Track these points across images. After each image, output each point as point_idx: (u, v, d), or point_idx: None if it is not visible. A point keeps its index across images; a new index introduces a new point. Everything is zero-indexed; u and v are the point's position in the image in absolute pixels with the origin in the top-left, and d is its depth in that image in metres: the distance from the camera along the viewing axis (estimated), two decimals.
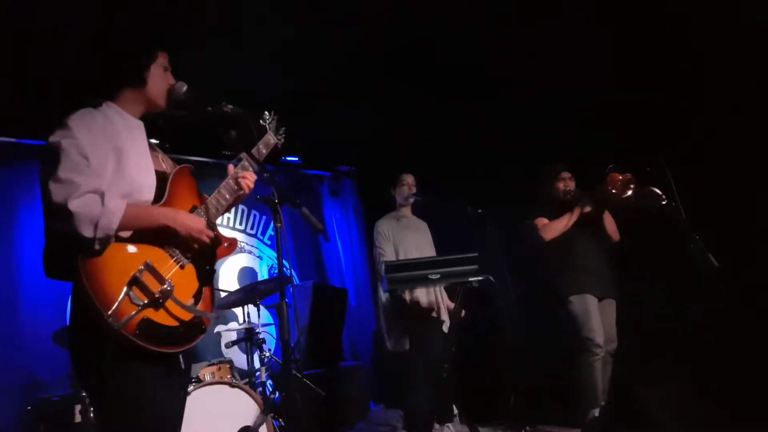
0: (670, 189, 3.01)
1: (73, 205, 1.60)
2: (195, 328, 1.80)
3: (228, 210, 2.15)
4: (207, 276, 1.89)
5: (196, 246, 1.85)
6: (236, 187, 2.06)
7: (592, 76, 4.11)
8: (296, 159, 5.91)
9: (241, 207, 5.55)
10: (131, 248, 1.71)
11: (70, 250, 1.62)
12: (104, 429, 1.73)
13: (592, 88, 4.08)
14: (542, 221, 3.77)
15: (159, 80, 1.94)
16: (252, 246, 5.59)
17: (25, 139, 4.45)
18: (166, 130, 2.12)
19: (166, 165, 1.97)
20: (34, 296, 4.03)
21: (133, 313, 1.64)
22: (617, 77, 4.07)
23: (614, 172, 3.54)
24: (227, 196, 2.05)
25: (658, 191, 3.26)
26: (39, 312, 4.01)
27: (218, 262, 2.03)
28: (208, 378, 3.45)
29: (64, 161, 1.66)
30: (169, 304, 1.74)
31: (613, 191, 3.54)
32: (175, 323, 1.74)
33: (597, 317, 3.57)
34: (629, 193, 3.48)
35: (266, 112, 2.35)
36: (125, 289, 1.65)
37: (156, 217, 1.77)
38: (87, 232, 1.61)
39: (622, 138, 3.91)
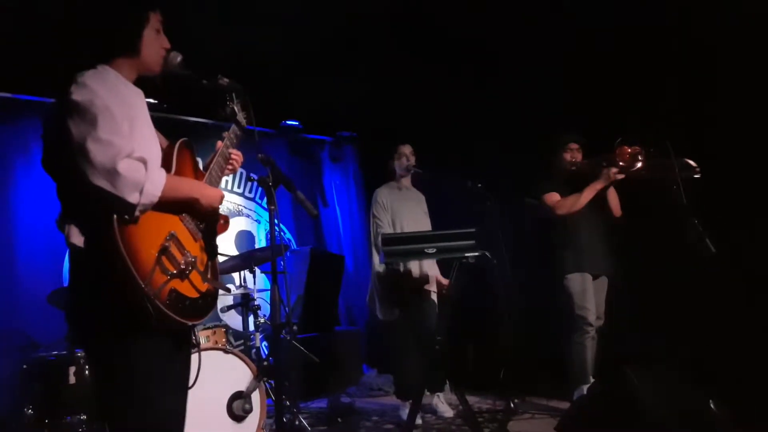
0: (673, 172, 2.96)
1: (122, 167, 1.55)
2: (211, 299, 1.81)
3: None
4: (214, 250, 1.89)
5: (210, 219, 1.85)
6: (225, 165, 2.04)
7: (598, 46, 4.01)
8: (296, 123, 5.84)
9: (239, 170, 5.50)
10: (156, 217, 1.67)
11: (105, 214, 1.56)
12: (110, 397, 1.69)
13: (597, 57, 3.99)
14: (553, 197, 3.70)
15: (153, 45, 1.86)
16: (250, 210, 5.57)
17: (20, 95, 4.37)
18: (163, 90, 2.08)
19: (160, 138, 1.93)
20: (30, 256, 4.04)
21: (163, 283, 1.62)
22: (621, 49, 3.97)
23: (623, 144, 3.47)
24: (219, 174, 2.02)
25: (692, 162, 3.18)
26: (35, 272, 4.02)
27: None
28: (202, 342, 3.48)
29: (102, 121, 1.59)
30: (193, 275, 1.73)
31: (622, 164, 3.48)
32: (195, 294, 1.74)
33: (592, 297, 3.59)
34: (638, 165, 3.42)
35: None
36: (157, 257, 1.62)
37: (187, 190, 1.77)
38: (132, 197, 1.56)
39: (630, 111, 3.84)
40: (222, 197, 1.88)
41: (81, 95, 1.63)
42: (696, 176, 3.14)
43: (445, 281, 3.88)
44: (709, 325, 3.30)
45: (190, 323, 1.71)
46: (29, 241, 4.07)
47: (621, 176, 3.54)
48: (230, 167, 2.07)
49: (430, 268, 3.93)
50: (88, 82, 1.67)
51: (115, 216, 1.57)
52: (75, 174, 1.58)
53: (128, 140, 1.64)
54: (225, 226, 1.97)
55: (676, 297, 3.43)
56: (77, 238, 1.64)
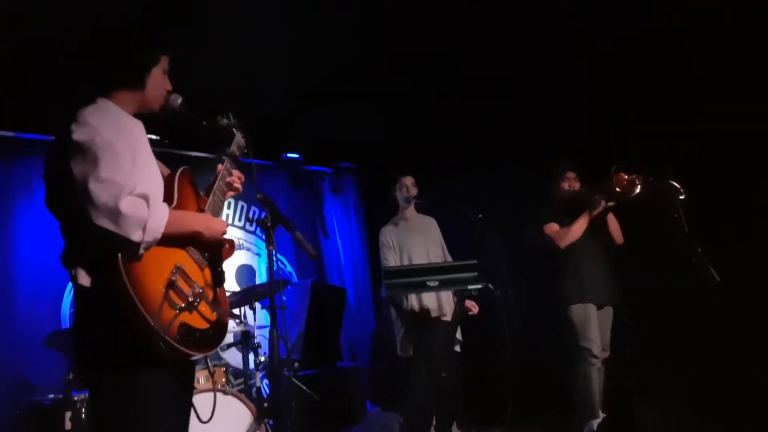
0: (671, 196, 2.96)
1: (124, 207, 1.56)
2: (221, 328, 1.79)
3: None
4: (220, 278, 1.88)
5: (214, 248, 1.85)
6: (227, 189, 2.06)
7: (593, 77, 4.06)
8: (297, 156, 5.86)
9: (240, 203, 5.50)
10: (161, 251, 1.67)
11: (109, 253, 1.56)
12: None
13: (592, 89, 4.03)
14: (553, 227, 3.68)
15: (157, 84, 1.90)
16: (251, 243, 5.55)
17: (22, 133, 4.39)
18: (165, 126, 2.08)
19: (161, 167, 1.94)
20: (29, 296, 3.99)
21: (172, 318, 1.61)
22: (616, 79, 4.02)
23: (620, 171, 3.47)
24: (222, 198, 2.03)
25: (668, 184, 3.18)
26: (33, 313, 3.97)
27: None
28: (201, 382, 3.41)
29: (104, 160, 1.60)
30: (201, 306, 1.72)
31: (619, 190, 3.47)
32: (206, 325, 1.72)
33: (596, 327, 3.53)
34: (636, 192, 3.42)
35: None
36: (164, 293, 1.61)
37: (191, 223, 1.78)
38: (135, 235, 1.57)
39: (626, 138, 3.87)
40: (226, 228, 1.89)
41: (82, 134, 1.63)
42: (681, 197, 3.12)
43: (472, 304, 3.75)
44: (714, 353, 3.25)
45: (202, 354, 1.70)
46: (29, 280, 4.03)
47: (610, 203, 3.55)
48: (232, 191, 2.09)
49: (445, 297, 3.82)
50: (89, 119, 1.67)
51: (120, 255, 1.56)
52: (79, 214, 1.58)
53: (130, 176, 1.64)
54: (230, 251, 1.97)
55: (681, 325, 3.39)
56: (84, 279, 1.63)
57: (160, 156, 1.91)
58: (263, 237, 5.56)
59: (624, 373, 3.57)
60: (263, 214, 2.39)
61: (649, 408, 2.83)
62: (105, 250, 1.57)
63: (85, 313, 1.66)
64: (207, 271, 1.82)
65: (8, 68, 3.72)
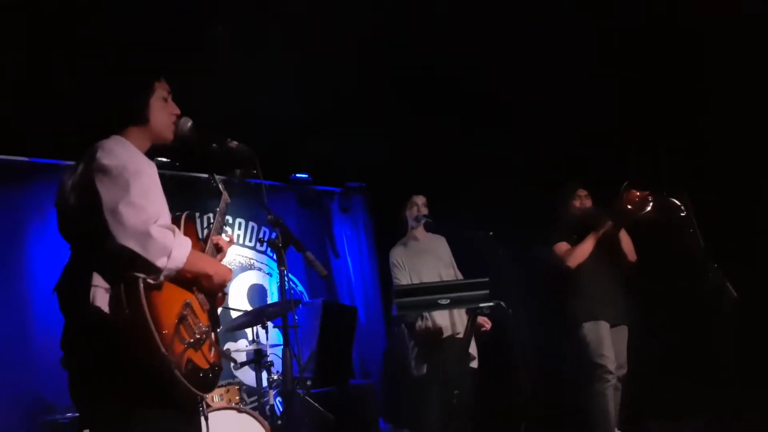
0: (690, 219, 2.95)
1: (154, 231, 1.59)
2: (218, 370, 1.81)
3: None
4: (216, 321, 1.92)
5: (213, 293, 1.88)
6: (215, 251, 2.06)
7: (602, 96, 4.09)
8: (306, 176, 5.91)
9: (251, 224, 5.54)
10: (173, 287, 1.69)
11: (129, 278, 1.57)
12: None
13: (600, 109, 4.06)
14: (563, 247, 3.68)
15: (161, 113, 1.92)
16: (262, 263, 5.58)
17: (36, 158, 4.46)
18: (174, 150, 2.13)
19: None
20: (44, 317, 4.02)
21: (181, 352, 1.61)
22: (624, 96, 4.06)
23: (631, 188, 3.47)
24: (214, 251, 2.06)
25: (676, 202, 3.21)
26: (49, 334, 3.99)
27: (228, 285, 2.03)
28: (216, 400, 3.43)
29: (135, 186, 1.64)
30: (206, 345, 1.74)
31: (630, 208, 3.47)
32: (206, 366, 1.73)
33: (609, 344, 3.51)
34: (648, 209, 3.41)
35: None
36: (176, 326, 1.62)
37: (204, 264, 1.81)
38: (160, 261, 1.59)
39: (635, 155, 3.89)
40: (231, 276, 1.92)
41: (111, 160, 1.67)
42: (682, 215, 3.13)
43: (484, 320, 3.74)
44: (733, 371, 3.22)
45: (204, 394, 1.71)
46: (44, 302, 4.07)
47: (618, 221, 3.54)
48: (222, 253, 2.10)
49: (459, 314, 3.80)
50: (115, 148, 1.73)
51: (141, 279, 1.57)
52: (102, 236, 1.59)
53: (158, 206, 1.69)
54: (223, 299, 2.00)
55: (698, 342, 3.36)
56: (102, 301, 1.62)
57: (171, 178, 1.95)
58: (274, 257, 5.61)
59: (641, 391, 3.53)
60: (274, 235, 2.42)
61: (666, 428, 2.79)
62: (127, 274, 1.58)
63: (95, 338, 1.62)
64: (206, 314, 1.85)
65: (22, 94, 3.80)
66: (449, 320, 3.76)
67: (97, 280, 1.64)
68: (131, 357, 1.56)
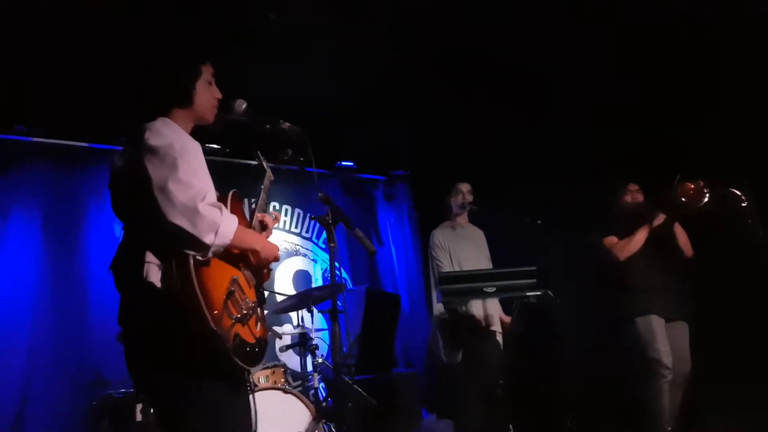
0: (749, 207, 2.82)
1: (202, 208, 1.63)
2: (264, 345, 1.84)
3: None
4: (262, 296, 1.95)
5: (260, 269, 1.90)
6: (261, 228, 2.08)
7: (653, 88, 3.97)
8: (351, 164, 5.93)
9: (297, 210, 5.60)
10: (220, 263, 1.73)
11: (179, 253, 1.62)
12: None
13: (652, 97, 3.94)
14: (611, 240, 3.60)
15: (205, 96, 1.96)
16: (307, 249, 5.64)
17: (95, 144, 4.64)
18: (224, 135, 2.16)
19: None
20: (101, 295, 4.19)
21: (229, 326, 1.65)
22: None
23: (684, 180, 3.36)
24: (260, 228, 2.09)
25: (736, 192, 3.11)
26: (106, 311, 4.15)
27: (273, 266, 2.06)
28: (262, 382, 3.50)
29: (182, 164, 1.68)
30: (252, 320, 1.77)
31: (685, 200, 3.35)
32: (253, 340, 1.76)
33: (663, 338, 3.40)
34: (705, 200, 3.29)
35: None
36: (224, 301, 1.66)
37: (252, 240, 1.84)
38: (208, 237, 1.62)
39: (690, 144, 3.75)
40: (278, 252, 1.93)
41: (158, 140, 1.71)
42: (743, 205, 3.02)
43: (507, 319, 3.77)
44: None
45: (251, 368, 1.74)
46: (100, 282, 4.23)
47: (673, 215, 3.44)
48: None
49: (493, 307, 3.82)
50: (162, 128, 1.77)
51: (191, 255, 1.61)
52: (153, 214, 1.64)
53: (205, 183, 1.72)
54: (268, 275, 2.02)
55: (758, 340, 3.21)
56: (155, 277, 1.66)
57: (221, 165, 1.99)
58: (319, 243, 5.68)
59: (698, 389, 3.41)
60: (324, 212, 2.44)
61: (723, 427, 2.68)
62: (177, 251, 1.62)
63: (150, 312, 1.67)
64: (253, 290, 1.88)
65: (83, 82, 3.94)
66: (483, 311, 3.74)
67: (150, 257, 1.68)
68: (183, 331, 1.61)
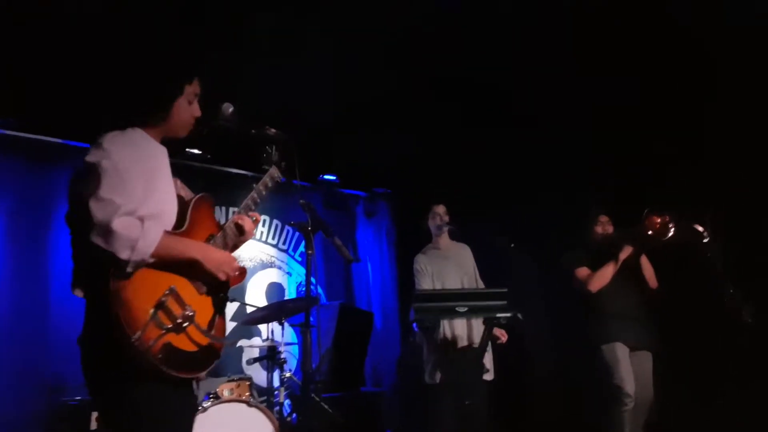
0: (710, 242, 2.92)
1: (116, 225, 1.64)
2: (211, 353, 1.82)
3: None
4: (221, 303, 1.92)
5: (221, 278, 1.87)
6: (237, 231, 2.04)
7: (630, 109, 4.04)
8: (334, 178, 5.92)
9: (274, 222, 5.55)
10: (157, 273, 1.74)
11: (101, 269, 1.66)
12: None
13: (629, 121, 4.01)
14: (584, 272, 3.68)
15: (182, 115, 1.96)
16: (282, 261, 5.58)
17: (68, 140, 4.53)
18: (207, 141, 2.13)
19: (184, 192, 2.01)
20: (63, 297, 4.07)
21: (157, 337, 1.66)
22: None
23: (652, 214, 3.47)
24: (236, 231, 2.04)
25: (698, 228, 3.22)
26: (67, 313, 4.04)
27: (247, 277, 2.03)
28: (226, 394, 3.42)
29: (105, 181, 1.69)
30: (190, 329, 1.76)
31: (651, 234, 3.45)
32: (193, 348, 1.76)
33: (627, 366, 3.44)
34: (669, 234, 3.40)
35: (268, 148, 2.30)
36: (151, 312, 1.67)
37: (187, 250, 1.80)
38: (124, 253, 1.64)
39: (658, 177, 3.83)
40: (230, 260, 1.89)
41: (92, 157, 1.75)
42: (705, 240, 3.15)
43: (501, 333, 3.68)
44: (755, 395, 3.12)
45: (188, 376, 1.75)
46: (64, 283, 4.12)
47: (638, 247, 3.54)
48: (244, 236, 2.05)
49: (478, 325, 3.76)
50: (105, 144, 1.78)
51: (111, 271, 1.65)
52: (82, 231, 1.69)
53: (131, 199, 1.71)
54: (242, 277, 1.98)
55: (719, 368, 3.27)
56: (79, 292, 1.76)
57: (200, 172, 1.97)
58: (295, 256, 5.63)
59: (661, 416, 3.44)
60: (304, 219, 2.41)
61: None
62: (98, 267, 1.66)
63: (86, 324, 1.75)
64: (206, 297, 1.86)
65: (57, 77, 3.87)
66: (467, 330, 3.71)
67: (77, 270, 1.80)
68: (111, 340, 1.64)
